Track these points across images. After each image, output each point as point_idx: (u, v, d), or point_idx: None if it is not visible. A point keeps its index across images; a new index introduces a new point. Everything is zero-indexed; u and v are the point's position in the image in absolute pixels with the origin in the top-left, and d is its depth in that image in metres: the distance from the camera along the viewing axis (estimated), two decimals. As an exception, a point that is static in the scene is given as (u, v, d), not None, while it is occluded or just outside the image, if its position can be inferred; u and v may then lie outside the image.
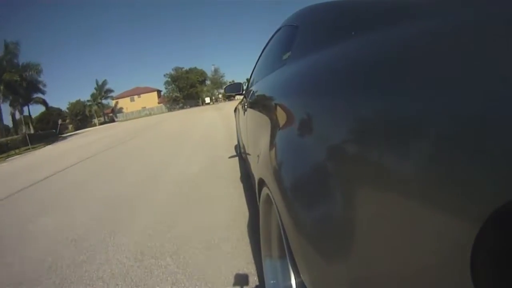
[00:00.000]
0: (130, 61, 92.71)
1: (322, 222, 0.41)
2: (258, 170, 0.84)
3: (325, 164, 0.43)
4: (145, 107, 49.25)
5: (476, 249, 0.18)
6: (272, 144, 0.72)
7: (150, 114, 45.00)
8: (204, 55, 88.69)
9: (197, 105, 48.46)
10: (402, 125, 0.28)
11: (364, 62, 0.43)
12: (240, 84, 2.37)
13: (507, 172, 0.18)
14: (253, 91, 1.53)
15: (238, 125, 2.88)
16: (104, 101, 46.06)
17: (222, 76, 55.83)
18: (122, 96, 51.59)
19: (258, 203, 0.89)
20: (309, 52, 0.76)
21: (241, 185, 2.51)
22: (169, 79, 49.43)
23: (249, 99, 1.58)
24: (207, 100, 49.81)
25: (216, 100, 54.10)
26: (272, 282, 0.83)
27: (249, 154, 1.54)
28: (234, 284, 1.24)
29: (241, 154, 2.83)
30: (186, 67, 53.15)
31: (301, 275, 0.47)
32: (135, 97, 51.51)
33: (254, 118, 1.25)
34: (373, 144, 0.32)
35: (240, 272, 1.32)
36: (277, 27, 1.45)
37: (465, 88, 0.23)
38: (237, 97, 2.61)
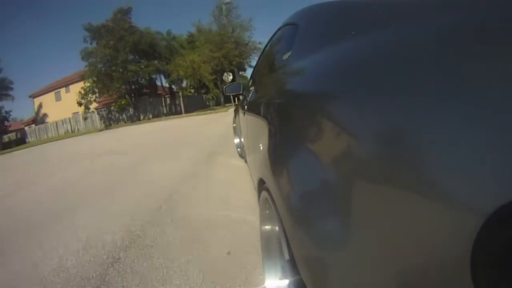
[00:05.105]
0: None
1: (322, 223, 0.41)
2: (258, 170, 0.84)
3: (325, 164, 0.43)
4: (77, 112, 21.94)
5: (476, 249, 0.18)
6: (272, 144, 0.72)
7: (73, 132, 20.98)
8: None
9: (176, 113, 19.17)
10: (402, 125, 0.28)
11: (364, 62, 0.43)
12: (239, 85, 2.38)
13: (507, 172, 0.17)
14: (253, 91, 1.53)
15: (238, 125, 2.89)
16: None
17: (248, 20, 20.96)
18: (43, 91, 25.35)
19: (258, 203, 0.89)
20: (309, 52, 0.76)
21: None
22: (88, 38, 18.32)
23: (249, 99, 1.58)
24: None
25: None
26: (272, 283, 0.83)
27: (249, 155, 1.54)
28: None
29: (241, 153, 2.84)
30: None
31: (301, 276, 0.47)
32: (62, 91, 23.98)
33: (254, 118, 1.25)
34: (373, 144, 0.32)
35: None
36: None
37: (465, 88, 0.23)
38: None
